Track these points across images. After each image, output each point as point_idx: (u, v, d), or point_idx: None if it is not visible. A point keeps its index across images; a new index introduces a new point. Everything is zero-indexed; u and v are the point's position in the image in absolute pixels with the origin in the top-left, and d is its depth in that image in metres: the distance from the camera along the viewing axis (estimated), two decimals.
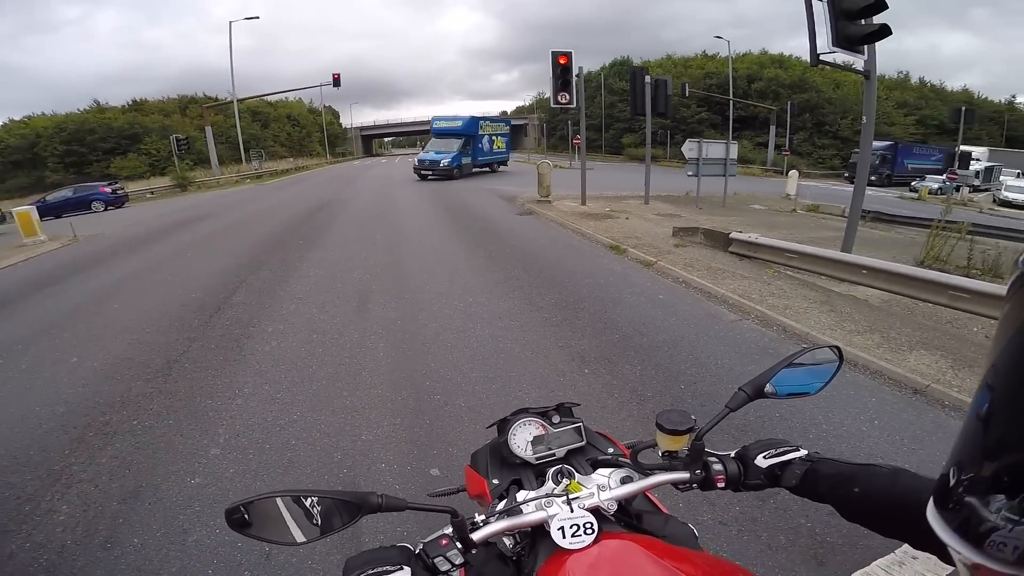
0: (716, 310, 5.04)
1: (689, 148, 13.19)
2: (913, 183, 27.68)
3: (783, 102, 38.43)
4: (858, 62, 6.22)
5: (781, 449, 0.84)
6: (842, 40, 5.77)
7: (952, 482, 0.40)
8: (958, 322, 4.81)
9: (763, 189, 20.32)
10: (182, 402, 3.54)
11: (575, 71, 11.27)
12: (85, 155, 41.57)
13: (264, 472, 2.73)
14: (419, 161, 24.36)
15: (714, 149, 13.50)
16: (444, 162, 23.44)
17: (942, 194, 23.23)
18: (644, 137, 15.10)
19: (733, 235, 7.43)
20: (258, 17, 31.68)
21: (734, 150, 13.90)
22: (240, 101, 36.04)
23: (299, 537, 0.72)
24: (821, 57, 6.05)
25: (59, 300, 6.68)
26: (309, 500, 0.73)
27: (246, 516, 0.71)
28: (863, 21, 5.76)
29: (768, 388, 0.89)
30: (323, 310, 5.31)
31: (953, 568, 0.38)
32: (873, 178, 27.17)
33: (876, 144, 28.31)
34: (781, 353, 4.20)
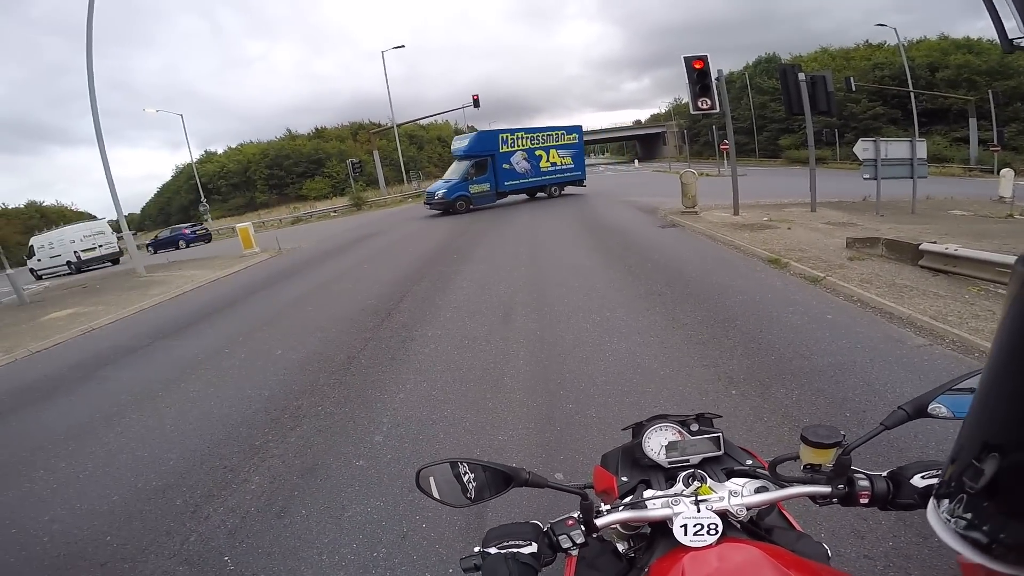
0: (899, 333, 4.35)
1: (863, 148, 11.51)
2: None
3: (982, 91, 31.57)
4: None
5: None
6: None
7: (945, 479, 0.42)
8: None
9: (966, 191, 16.98)
10: (357, 393, 4.12)
11: (714, 74, 10.63)
12: (283, 178, 49.73)
13: (415, 460, 3.02)
14: (427, 193, 21.16)
15: (895, 148, 11.59)
16: (440, 193, 19.88)
17: None
18: (805, 138, 13.56)
19: (924, 246, 6.32)
20: (404, 46, 35.04)
21: (922, 148, 11.79)
22: (398, 126, 40.11)
23: (459, 501, 0.86)
24: (1015, 42, 4.96)
25: (269, 302, 8.20)
26: (475, 471, 0.86)
27: (426, 477, 0.87)
28: None
29: (932, 407, 0.81)
30: (473, 319, 5.75)
31: None
32: None
33: None
34: (965, 372, 3.39)
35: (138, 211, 58.45)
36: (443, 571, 2.18)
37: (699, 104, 10.63)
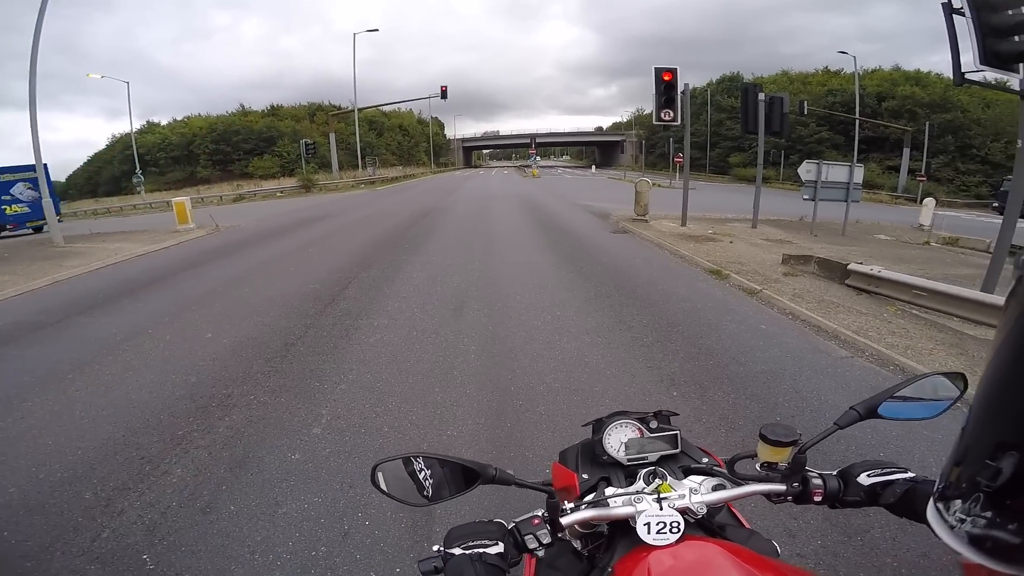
0: (825, 345, 4.64)
1: (806, 170, 12.25)
2: None
3: (920, 122, 34.38)
4: (1012, 80, 5.48)
5: (888, 470, 0.82)
6: (991, 58, 5.09)
7: (953, 481, 0.42)
8: None
9: (891, 217, 18.34)
10: (294, 382, 3.92)
11: (680, 87, 11.00)
12: (230, 154, 47.16)
13: (357, 454, 2.93)
14: None
15: (835, 172, 12.40)
16: None
17: None
18: (754, 156, 14.26)
19: (852, 267, 6.79)
20: (378, 30, 34.04)
21: (859, 173, 12.67)
22: (360, 111, 38.97)
23: (417, 500, 0.81)
24: (966, 76, 5.40)
25: (201, 281, 7.71)
26: (433, 467, 0.82)
27: (384, 473, 0.81)
28: (1017, 37, 5.06)
29: (882, 409, 0.86)
30: (423, 310, 5.64)
31: None
32: None
33: None
34: (911, 376, 3.71)
35: (63, 179, 53.66)
36: (389, 571, 2.10)
37: (662, 115, 10.97)
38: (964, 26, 5.10)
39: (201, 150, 47.59)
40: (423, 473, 0.81)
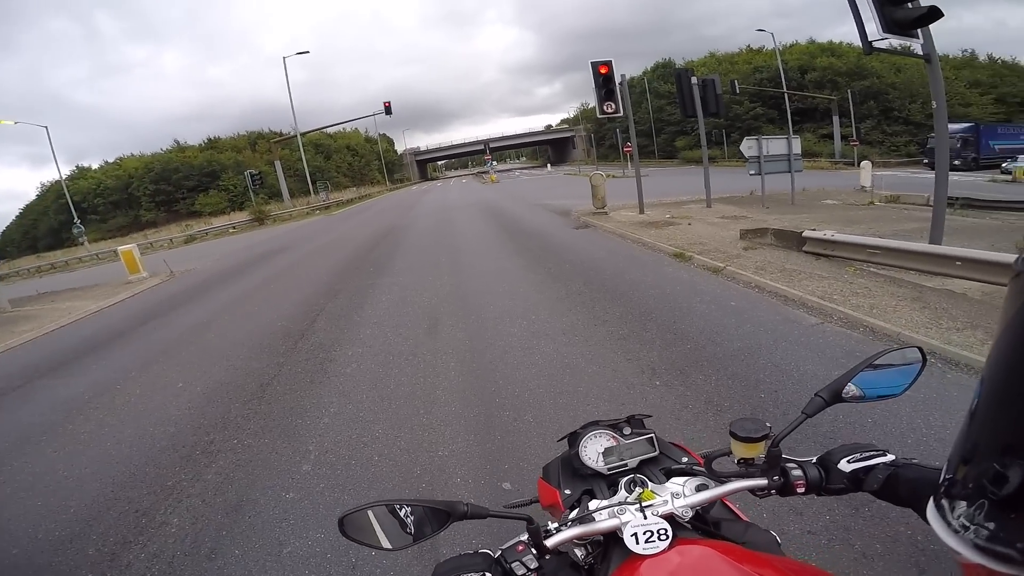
0: (795, 314, 4.80)
1: (748, 146, 12.70)
2: (1004, 164, 24.60)
3: (843, 91, 36.26)
4: (915, 45, 5.81)
5: (867, 453, 0.82)
6: (891, 25, 5.42)
7: (958, 478, 0.40)
8: None
9: (834, 183, 19.15)
10: (276, 422, 3.82)
11: (618, 79, 11.18)
12: (172, 193, 45.40)
13: (351, 487, 2.88)
14: None
15: (775, 145, 12.91)
16: None
17: None
18: (698, 139, 14.68)
19: (807, 233, 7.05)
20: (308, 52, 33.44)
21: (797, 144, 13.23)
22: (303, 135, 38.21)
23: (395, 543, 0.80)
24: (873, 44, 5.70)
25: (163, 331, 7.40)
26: (404, 509, 0.80)
27: (352, 523, 0.79)
28: (910, 4, 5.39)
29: (846, 392, 0.86)
30: (397, 333, 5.55)
31: None
32: (957, 162, 24.39)
33: (955, 127, 25.34)
34: (865, 356, 3.86)
35: None
36: None
37: (605, 108, 11.12)
38: None
39: (141, 192, 45.72)
40: (404, 511, 0.80)
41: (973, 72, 41.60)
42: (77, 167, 50.60)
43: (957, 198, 11.30)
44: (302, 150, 37.69)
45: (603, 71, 10.96)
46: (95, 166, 50.63)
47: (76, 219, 31.90)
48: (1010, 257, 4.73)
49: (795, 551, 2.03)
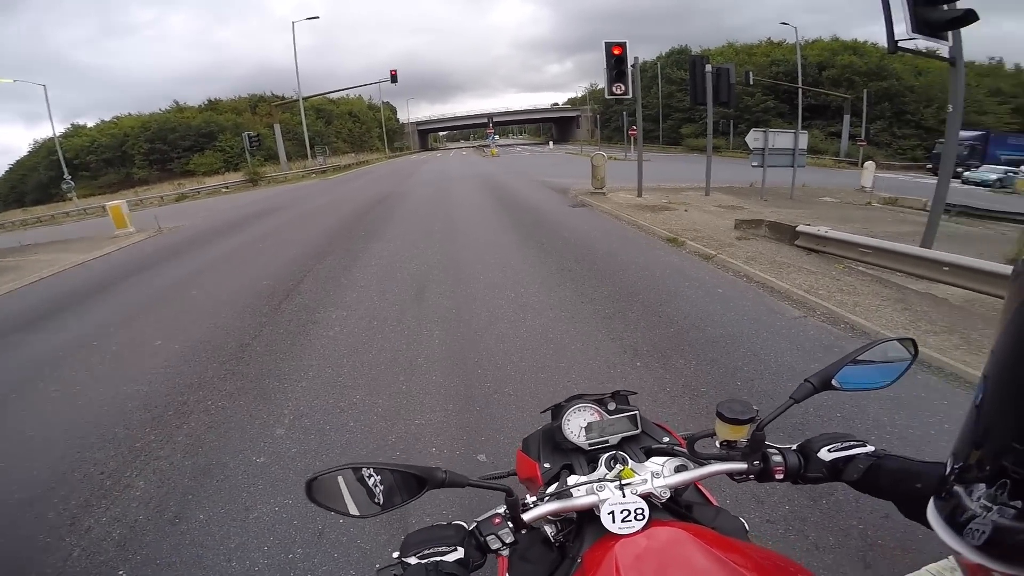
0: (779, 306, 4.80)
1: (754, 137, 12.58)
2: (966, 173, 23.77)
3: (858, 90, 35.77)
4: (942, 48, 5.70)
5: (847, 443, 0.81)
6: (922, 26, 5.29)
7: (946, 472, 0.40)
8: None
9: (835, 181, 19.09)
10: (252, 383, 3.78)
11: (630, 61, 11.01)
12: (167, 152, 44.66)
13: (324, 453, 2.86)
14: None
15: (781, 139, 12.79)
16: None
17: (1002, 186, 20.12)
18: (704, 127, 14.52)
19: (800, 228, 7.03)
20: (318, 17, 32.55)
21: (803, 140, 13.11)
22: (305, 99, 37.49)
23: (368, 510, 0.74)
24: (900, 44, 5.58)
25: (146, 287, 7.31)
26: (381, 473, 0.75)
27: (321, 487, 0.74)
28: (946, 6, 5.26)
29: (836, 381, 0.84)
30: (383, 298, 5.51)
31: None
32: (960, 169, 24.17)
33: (965, 134, 24.59)
34: (848, 351, 3.92)
35: None
36: (368, 568, 2.06)
37: (614, 89, 10.97)
38: None
39: (135, 150, 44.80)
40: (372, 479, 0.75)
41: (996, 80, 41.09)
42: (73, 125, 49.17)
43: (954, 205, 11.29)
44: (303, 114, 36.97)
45: (616, 52, 10.79)
46: (91, 124, 49.29)
47: (67, 174, 31.25)
48: (995, 266, 4.76)
49: (755, 538, 2.05)
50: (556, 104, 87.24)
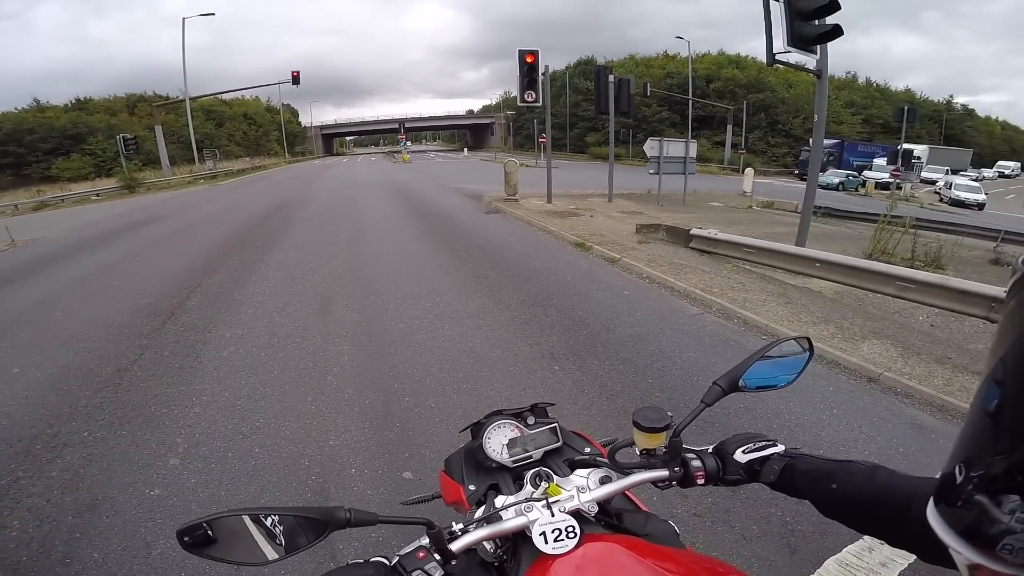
0: (679, 304, 5.15)
1: (650, 147, 13.48)
2: (824, 179, 26.60)
3: (739, 102, 39.75)
4: (810, 62, 6.49)
5: (760, 444, 0.84)
6: (796, 40, 6.01)
7: (959, 480, 0.38)
8: (905, 311, 5.08)
9: (721, 187, 20.90)
10: (136, 412, 3.37)
11: (541, 70, 11.31)
12: (23, 156, 38.96)
13: (228, 481, 2.62)
14: None
15: (674, 148, 13.82)
16: None
17: (898, 188, 23.44)
18: (608, 136, 15.29)
19: (693, 231, 7.62)
20: (214, 14, 29.95)
21: (693, 149, 14.28)
22: (193, 99, 34.48)
23: (268, 555, 0.67)
24: (777, 56, 6.27)
25: None
26: (270, 519, 0.67)
27: (208, 533, 0.66)
28: (817, 21, 6.01)
29: (742, 382, 0.88)
30: (283, 313, 5.15)
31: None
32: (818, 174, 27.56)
33: (825, 142, 29.02)
34: (743, 344, 4.44)
35: None
36: None
37: (526, 96, 11.19)
38: (778, 12, 5.93)
39: None
40: (270, 520, 0.68)
41: (851, 93, 47.54)
42: None
43: (820, 207, 12.85)
44: (189, 115, 33.86)
45: (529, 60, 11.02)
46: None
47: None
48: (858, 261, 5.48)
49: (684, 534, 2.16)
50: (471, 111, 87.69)
